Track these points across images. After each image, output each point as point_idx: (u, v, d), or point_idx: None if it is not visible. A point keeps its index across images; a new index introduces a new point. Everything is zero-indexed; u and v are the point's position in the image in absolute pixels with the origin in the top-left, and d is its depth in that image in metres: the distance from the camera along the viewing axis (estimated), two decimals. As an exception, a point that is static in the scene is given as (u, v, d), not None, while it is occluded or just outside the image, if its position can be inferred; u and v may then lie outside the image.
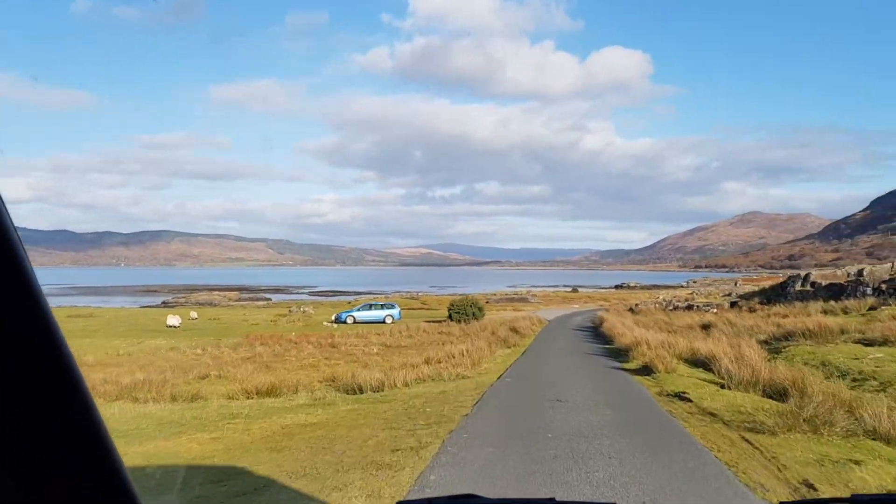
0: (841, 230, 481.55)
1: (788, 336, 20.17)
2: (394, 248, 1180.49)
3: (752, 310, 40.66)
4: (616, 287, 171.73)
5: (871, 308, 33.00)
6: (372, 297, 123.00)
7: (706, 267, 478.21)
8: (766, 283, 49.13)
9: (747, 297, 44.89)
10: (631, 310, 50.07)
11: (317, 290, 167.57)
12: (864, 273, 36.41)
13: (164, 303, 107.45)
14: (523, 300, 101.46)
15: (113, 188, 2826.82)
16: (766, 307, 39.98)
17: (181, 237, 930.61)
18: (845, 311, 33.98)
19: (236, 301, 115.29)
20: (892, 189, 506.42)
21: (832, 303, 35.59)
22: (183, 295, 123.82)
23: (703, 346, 18.52)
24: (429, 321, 48.35)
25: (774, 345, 19.53)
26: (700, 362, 16.97)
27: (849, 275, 41.26)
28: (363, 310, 49.27)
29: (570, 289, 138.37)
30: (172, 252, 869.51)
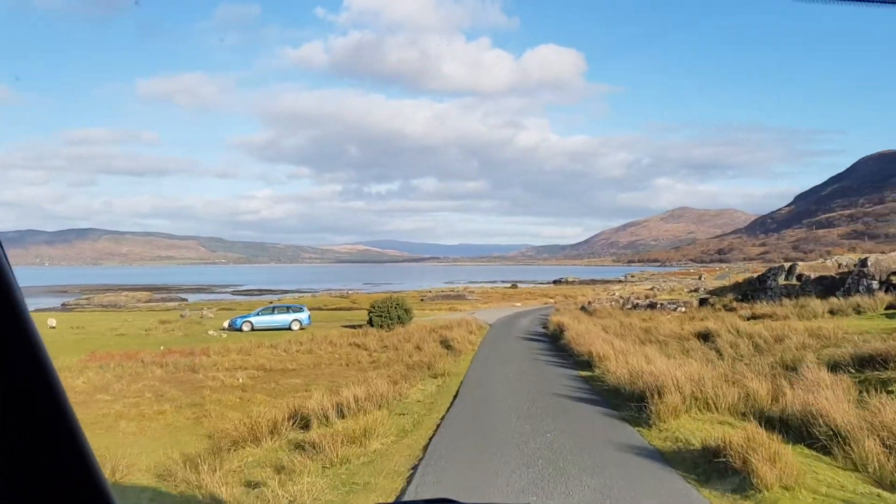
0: (767, 225, 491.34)
1: (866, 361, 12.65)
2: (330, 244, 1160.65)
3: (728, 308, 33.67)
4: (554, 282, 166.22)
5: (892, 306, 26.30)
6: (297, 296, 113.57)
7: (639, 261, 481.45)
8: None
9: (718, 293, 37.89)
10: (584, 308, 42.64)
11: (242, 289, 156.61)
12: (869, 263, 29.64)
13: (64, 305, 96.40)
14: (460, 298, 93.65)
15: (36, 185, 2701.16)
16: (745, 305, 33.07)
17: (109, 235, 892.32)
18: (858, 311, 27.17)
19: (145, 302, 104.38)
20: (814, 185, 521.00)
21: (833, 300, 28.79)
22: (88, 296, 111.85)
23: (759, 387, 10.49)
24: (347, 325, 39.97)
25: (858, 374, 11.98)
26: (778, 421, 9.02)
27: (840, 266, 34.61)
28: (264, 314, 40.10)
29: (509, 285, 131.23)
30: (99, 251, 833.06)
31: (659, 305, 37.84)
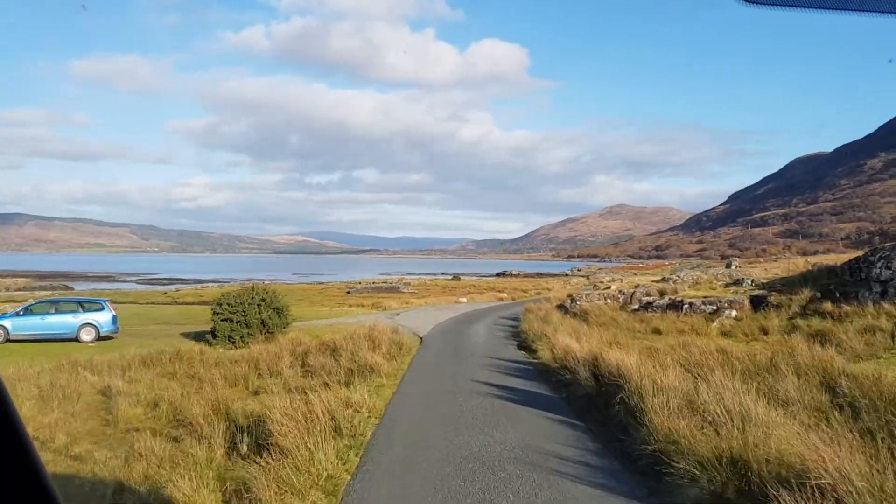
0: (703, 222, 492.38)
1: None
2: (268, 235, 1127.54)
3: (820, 314, 19.55)
4: (497, 275, 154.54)
5: None
6: (200, 287, 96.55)
7: (578, 256, 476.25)
8: (779, 268, 28.54)
9: (779, 286, 23.57)
10: (565, 309, 27.92)
11: (153, 277, 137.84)
12: None
13: None
14: (393, 290, 78.27)
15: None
16: (847, 307, 19.07)
17: (36, 221, 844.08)
18: None
19: (20, 290, 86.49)
20: (748, 184, 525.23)
21: None
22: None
23: None
24: (188, 333, 24.54)
25: None
26: None
27: None
28: (33, 315, 23.76)
29: (450, 276, 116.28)
30: (26, 237, 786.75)
31: (686, 305, 23.29)
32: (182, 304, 57.68)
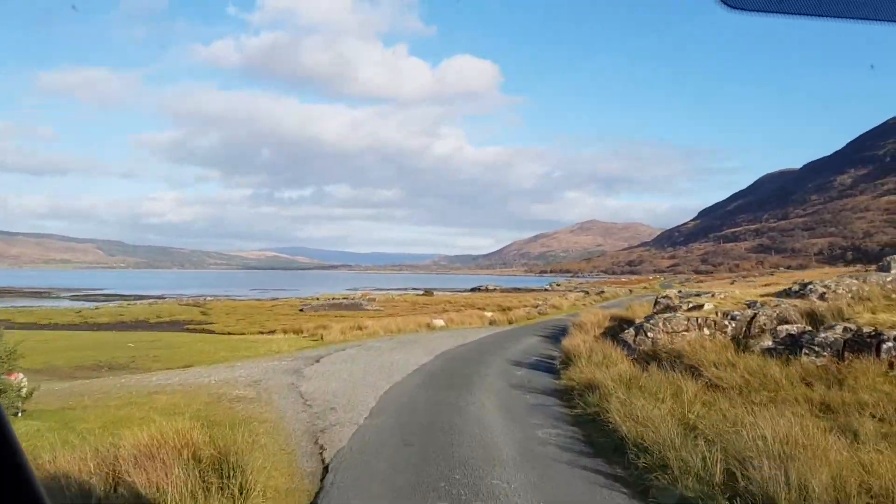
0: (674, 238, 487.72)
1: None
2: (239, 250, 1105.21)
3: None
4: (473, 290, 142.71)
5: None
6: (143, 303, 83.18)
7: (550, 272, 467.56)
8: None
9: None
10: (623, 343, 15.53)
11: (91, 293, 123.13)
12: None
13: None
14: (355, 307, 65.69)
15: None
16: None
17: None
18: None
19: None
20: (717, 201, 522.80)
21: None
22: None
23: None
24: None
25: None
26: None
27: None
28: None
29: (422, 291, 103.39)
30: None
31: (891, 343, 11.03)
32: (91, 325, 45.90)
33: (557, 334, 23.60)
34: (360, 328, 29.59)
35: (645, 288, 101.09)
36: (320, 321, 40.07)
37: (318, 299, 76.33)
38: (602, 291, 50.37)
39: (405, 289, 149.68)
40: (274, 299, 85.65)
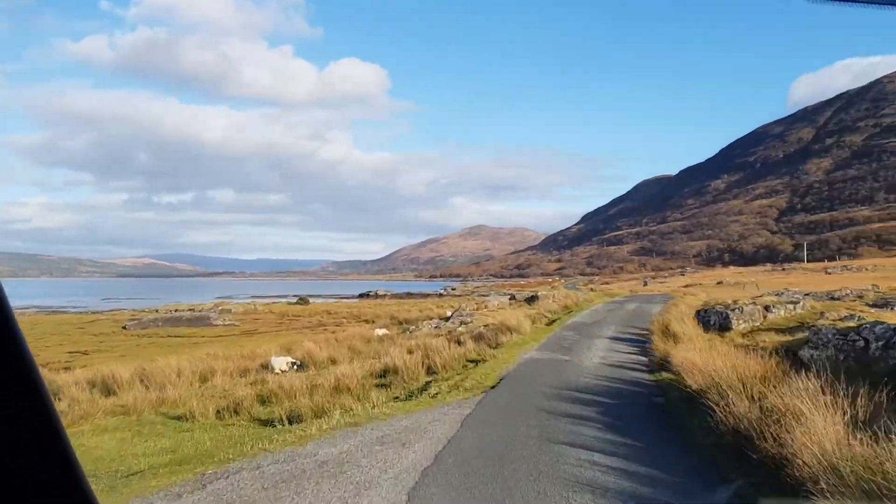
0: (560, 242, 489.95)
1: None
2: (115, 258, 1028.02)
3: None
4: (361, 296, 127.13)
5: None
6: None
7: (440, 276, 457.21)
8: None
9: None
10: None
11: None
12: None
13: None
14: (201, 321, 48.44)
15: None
16: None
17: None
18: None
19: None
20: (599, 206, 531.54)
21: None
22: None
23: None
24: None
25: None
26: None
27: None
28: None
29: (296, 300, 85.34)
30: None
31: None
32: None
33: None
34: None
35: (553, 289, 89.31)
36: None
37: (156, 311, 57.74)
38: (534, 298, 35.56)
39: (286, 295, 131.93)
40: (97, 313, 65.58)
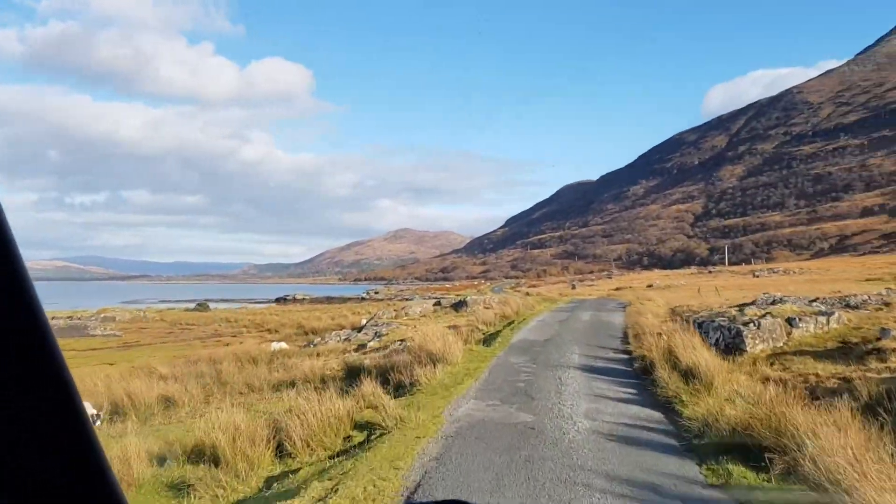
0: (485, 245, 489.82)
1: None
2: (25, 261, 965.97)
3: None
4: (277, 301, 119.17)
5: None
6: None
7: (365, 279, 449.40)
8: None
9: None
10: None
11: None
12: None
13: None
14: (76, 332, 40.65)
15: None
16: None
17: None
18: None
19: None
20: (523, 210, 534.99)
21: None
22: None
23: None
24: None
25: None
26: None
27: None
28: None
29: (193, 306, 76.52)
30: None
31: None
32: None
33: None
34: None
35: (480, 293, 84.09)
36: None
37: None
38: (462, 303, 29.60)
39: (195, 300, 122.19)
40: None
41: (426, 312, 29.27)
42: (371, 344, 21.34)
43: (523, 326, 20.27)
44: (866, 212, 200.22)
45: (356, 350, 21.40)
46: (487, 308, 25.90)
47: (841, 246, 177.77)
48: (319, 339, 28.19)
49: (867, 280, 62.42)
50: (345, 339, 27.00)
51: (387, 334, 22.89)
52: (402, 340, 19.60)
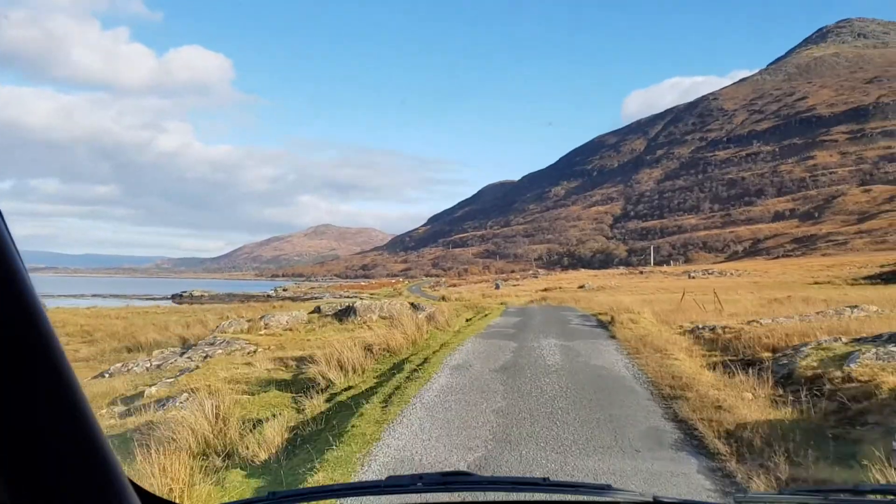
0: (406, 243, 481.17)
1: None
2: None
3: None
4: (174, 297, 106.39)
5: None
6: None
7: (283, 276, 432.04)
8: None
9: None
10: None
11: None
12: None
13: None
14: None
15: None
16: None
17: None
18: None
19: None
20: (446, 208, 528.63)
21: None
22: None
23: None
24: None
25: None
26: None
27: None
28: None
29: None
30: None
31: None
32: None
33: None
34: None
35: (396, 293, 75.09)
36: None
37: None
38: (351, 311, 19.68)
39: (84, 295, 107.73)
40: None
41: (294, 324, 19.28)
42: (152, 390, 11.22)
43: (438, 370, 9.95)
44: (778, 216, 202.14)
45: (123, 402, 11.27)
46: (381, 318, 16.26)
47: (754, 249, 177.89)
48: (121, 364, 17.72)
49: (815, 283, 56.70)
50: (156, 366, 16.70)
51: (197, 367, 12.79)
52: (192, 391, 9.64)
